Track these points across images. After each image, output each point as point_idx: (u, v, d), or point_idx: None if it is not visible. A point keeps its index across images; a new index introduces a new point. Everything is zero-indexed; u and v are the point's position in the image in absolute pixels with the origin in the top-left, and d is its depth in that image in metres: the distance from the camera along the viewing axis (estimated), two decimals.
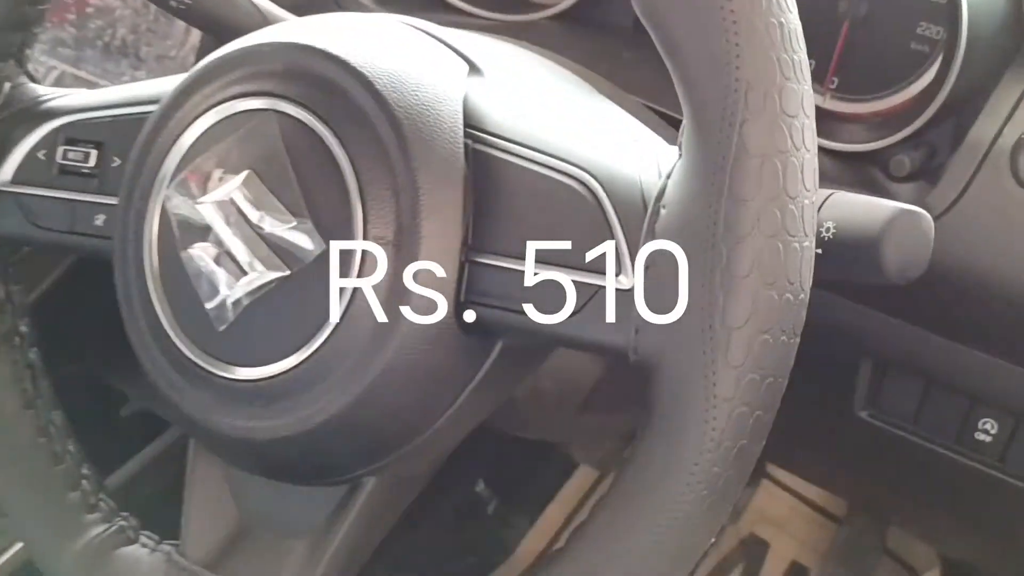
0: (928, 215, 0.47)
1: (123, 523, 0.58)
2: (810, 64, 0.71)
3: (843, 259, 0.48)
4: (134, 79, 0.84)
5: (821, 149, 0.68)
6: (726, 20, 0.39)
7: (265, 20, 0.67)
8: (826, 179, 0.66)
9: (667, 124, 0.64)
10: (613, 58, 0.72)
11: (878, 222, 0.47)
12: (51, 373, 0.64)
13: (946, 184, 0.64)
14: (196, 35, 0.83)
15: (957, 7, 0.61)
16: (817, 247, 0.46)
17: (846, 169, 0.68)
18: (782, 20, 0.39)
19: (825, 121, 0.71)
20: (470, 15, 0.80)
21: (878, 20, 0.69)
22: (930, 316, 0.70)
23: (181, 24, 0.83)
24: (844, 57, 0.71)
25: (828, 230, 0.48)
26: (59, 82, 0.86)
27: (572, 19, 0.78)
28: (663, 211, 0.42)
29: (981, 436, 0.73)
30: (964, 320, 0.68)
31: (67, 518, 0.58)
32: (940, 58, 0.66)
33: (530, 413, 0.64)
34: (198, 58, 0.82)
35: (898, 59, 0.69)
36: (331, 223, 0.47)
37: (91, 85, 0.85)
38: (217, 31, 0.68)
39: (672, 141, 0.46)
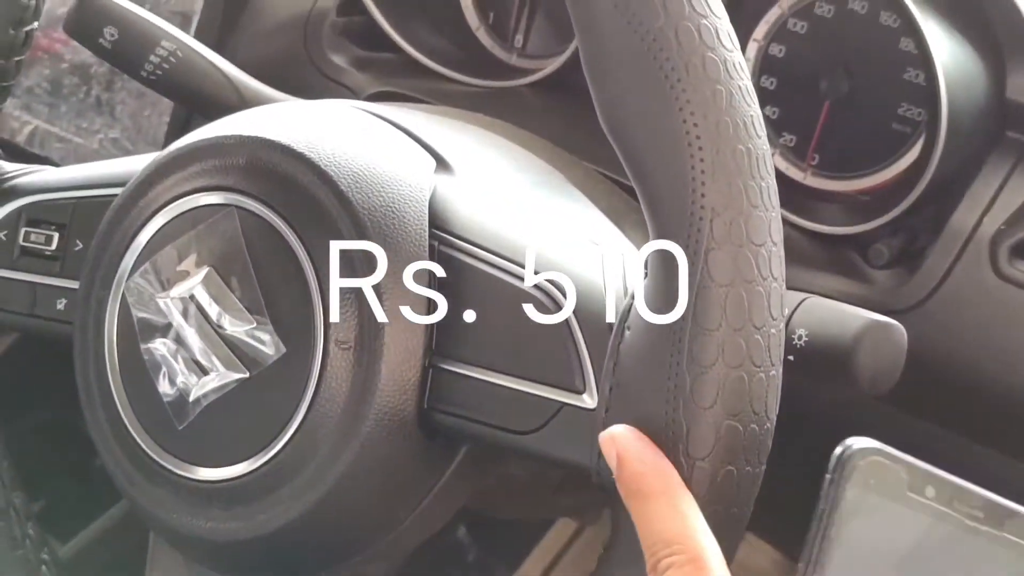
0: (901, 327, 0.47)
1: None
2: (791, 141, 0.71)
3: (814, 367, 0.47)
4: (107, 137, 0.83)
5: (799, 229, 0.68)
6: (692, 145, 0.38)
7: (238, 92, 0.66)
8: (802, 260, 0.67)
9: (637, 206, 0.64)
10: (591, 129, 0.72)
11: (851, 332, 0.46)
12: (26, 420, 0.63)
13: (925, 273, 0.63)
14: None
15: (936, 89, 0.60)
16: (789, 354, 0.45)
17: (823, 251, 0.67)
18: (750, 146, 0.38)
19: (805, 199, 0.71)
20: (451, 80, 0.79)
21: (859, 100, 0.69)
22: (913, 402, 0.69)
23: None
24: (825, 135, 0.70)
25: (800, 337, 0.47)
26: (32, 137, 0.86)
27: (551, 87, 0.77)
28: (627, 332, 0.41)
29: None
30: (946, 407, 0.68)
31: None
32: (922, 140, 0.66)
33: (500, 498, 0.63)
34: (172, 119, 0.82)
35: (879, 139, 0.68)
36: (291, 325, 0.46)
37: (65, 141, 0.84)
38: (188, 102, 0.67)
39: (642, 226, 0.45)
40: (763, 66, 0.72)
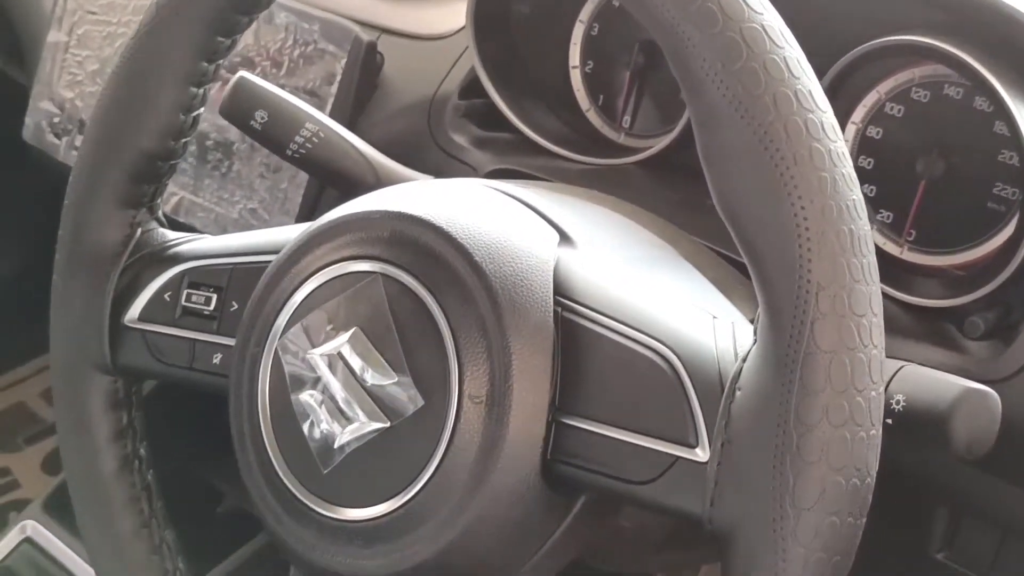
0: (996, 395, 0.50)
1: None
2: (888, 217, 0.75)
3: (912, 432, 0.50)
4: (246, 208, 0.90)
5: (897, 302, 0.71)
6: (799, 227, 0.42)
7: (372, 168, 0.72)
8: (900, 332, 0.70)
9: (744, 274, 0.68)
10: (696, 205, 0.76)
11: (947, 399, 0.49)
12: (155, 469, 0.69)
13: (1020, 345, 0.65)
14: (305, 174, 0.89)
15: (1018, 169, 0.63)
16: (887, 418, 0.49)
17: (921, 323, 0.70)
18: (852, 227, 0.43)
19: (901, 273, 0.74)
20: (563, 158, 0.85)
21: (955, 180, 0.72)
22: (1007, 469, 0.71)
23: None
24: (921, 213, 0.74)
25: (899, 403, 0.51)
26: (178, 206, 0.93)
27: (658, 164, 0.82)
28: (738, 393, 0.45)
29: None
30: None
31: None
32: (1016, 218, 0.69)
33: (609, 548, 0.67)
34: (306, 193, 0.88)
35: (974, 217, 0.72)
36: (429, 380, 0.51)
37: (207, 211, 0.92)
38: (326, 177, 0.74)
39: (749, 298, 0.50)
40: (861, 147, 0.76)
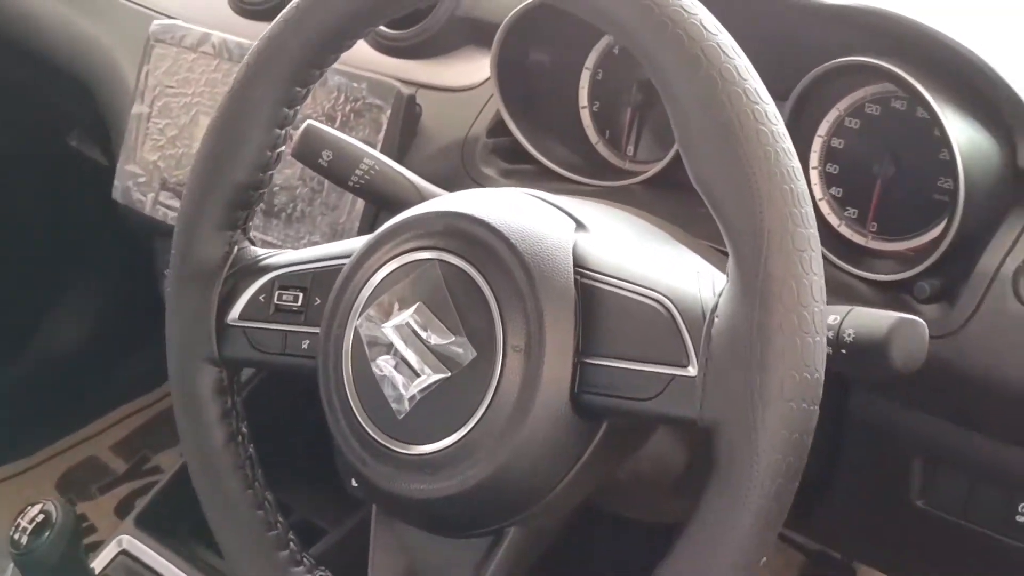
0: (922, 321, 0.63)
1: (322, 574, 0.75)
2: (853, 213, 0.89)
3: (861, 356, 0.63)
4: (310, 242, 1.05)
5: (862, 280, 0.85)
6: (754, 188, 0.57)
7: (419, 193, 0.86)
8: (865, 302, 0.84)
9: (723, 257, 0.82)
10: (689, 213, 0.91)
11: (885, 327, 0.62)
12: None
13: (961, 305, 0.79)
14: (359, 207, 1.04)
15: (955, 166, 0.78)
16: (842, 348, 0.62)
17: (881, 293, 0.84)
18: (792, 187, 0.57)
19: (866, 258, 0.88)
20: (576, 183, 1.00)
21: (904, 178, 0.86)
22: (963, 415, 0.84)
23: (348, 199, 1.05)
24: (879, 208, 0.88)
25: (849, 336, 0.64)
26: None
27: (658, 183, 0.96)
28: (716, 320, 0.59)
29: (1022, 519, 0.86)
30: (992, 418, 0.83)
31: (278, 572, 0.76)
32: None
33: (630, 493, 0.80)
34: (361, 224, 1.04)
35: (923, 207, 0.85)
36: (479, 337, 0.65)
37: (276, 247, 1.07)
38: (381, 202, 0.88)
39: (723, 265, 0.63)
40: (827, 156, 0.90)
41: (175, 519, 1.24)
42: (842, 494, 0.98)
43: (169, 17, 1.21)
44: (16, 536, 1.06)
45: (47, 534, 1.06)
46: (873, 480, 0.94)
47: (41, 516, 1.06)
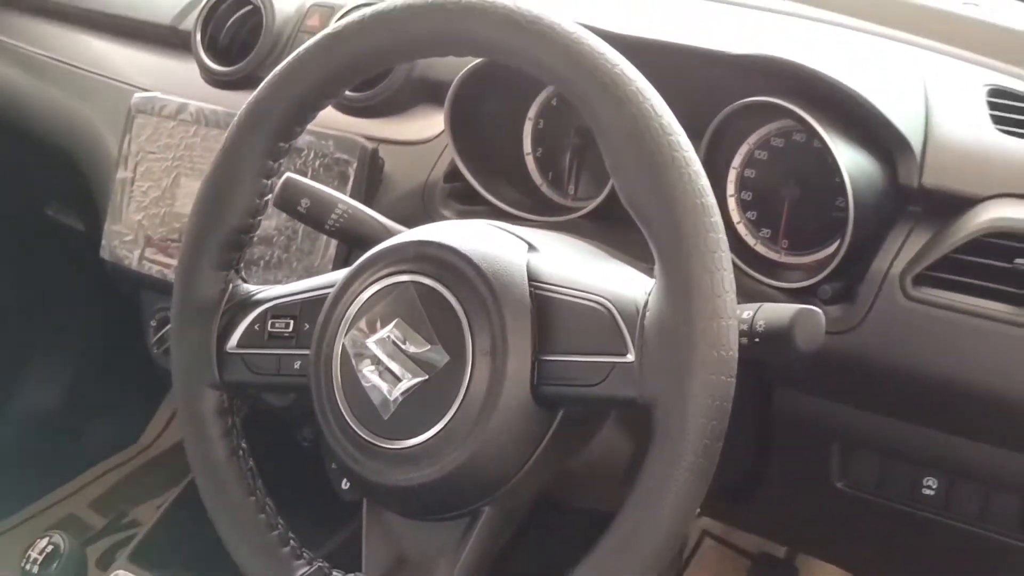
0: (819, 310, 0.75)
1: (320, 564, 0.86)
2: (767, 233, 1.03)
3: (772, 342, 0.76)
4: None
5: (776, 288, 0.98)
6: (672, 202, 0.70)
7: (388, 232, 0.97)
8: None
9: (650, 267, 0.95)
10: (623, 239, 1.03)
11: (788, 316, 0.75)
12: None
13: (859, 304, 0.92)
14: (332, 251, 1.15)
15: (844, 187, 0.91)
16: (755, 337, 0.75)
17: (792, 299, 0.97)
18: (702, 201, 0.70)
19: (779, 270, 1.01)
20: (524, 219, 1.12)
21: (808, 199, 1.00)
22: (869, 401, 0.97)
23: (321, 244, 1.16)
24: (788, 226, 1.01)
25: (761, 325, 0.76)
26: None
27: (597, 216, 1.09)
28: (648, 314, 0.72)
29: (927, 491, 0.99)
30: (893, 402, 0.96)
31: (282, 565, 0.86)
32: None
33: (585, 483, 0.92)
34: (334, 265, 1.15)
35: (825, 224, 0.99)
36: (451, 344, 0.77)
37: None
38: (355, 243, 1.00)
39: (652, 276, 0.76)
40: (742, 184, 1.03)
41: (167, 553, 1.33)
42: (774, 484, 1.10)
43: (147, 91, 1.33)
44: (27, 567, 1.15)
45: (56, 564, 1.15)
46: (799, 468, 1.06)
47: (50, 547, 1.15)
